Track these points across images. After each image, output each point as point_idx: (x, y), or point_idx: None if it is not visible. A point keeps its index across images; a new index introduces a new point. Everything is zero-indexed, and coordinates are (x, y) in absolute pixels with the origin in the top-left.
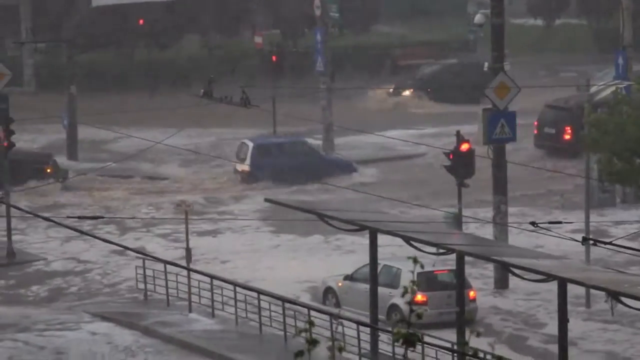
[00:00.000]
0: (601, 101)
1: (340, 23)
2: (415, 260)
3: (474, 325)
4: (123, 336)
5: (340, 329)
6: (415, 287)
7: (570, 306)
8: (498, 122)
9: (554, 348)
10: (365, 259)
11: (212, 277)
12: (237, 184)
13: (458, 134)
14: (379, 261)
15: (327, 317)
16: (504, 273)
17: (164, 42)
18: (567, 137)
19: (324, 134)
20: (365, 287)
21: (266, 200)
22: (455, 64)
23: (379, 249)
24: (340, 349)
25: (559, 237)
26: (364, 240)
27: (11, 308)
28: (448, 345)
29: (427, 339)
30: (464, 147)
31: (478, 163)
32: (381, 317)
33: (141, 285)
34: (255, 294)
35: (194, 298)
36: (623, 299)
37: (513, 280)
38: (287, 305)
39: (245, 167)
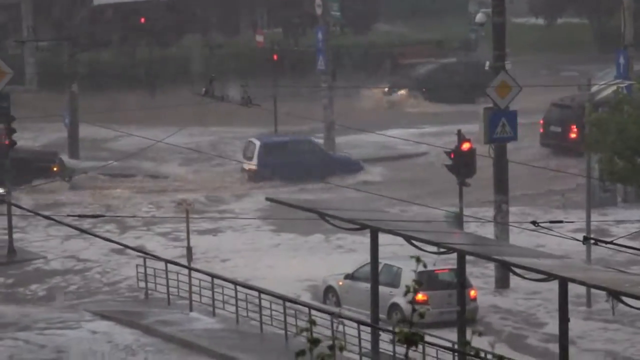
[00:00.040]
0: (602, 100)
1: (342, 22)
2: (418, 260)
3: (475, 325)
4: (123, 335)
5: (341, 328)
6: (418, 286)
7: (571, 305)
8: (499, 121)
9: (554, 347)
10: (366, 258)
11: (213, 276)
12: (244, 183)
13: (459, 133)
14: (379, 260)
15: (327, 317)
16: (504, 272)
17: (165, 41)
18: (573, 135)
19: (326, 133)
20: (366, 286)
21: (267, 199)
22: (451, 64)
23: (381, 248)
24: (341, 348)
25: (560, 237)
26: (364, 239)
27: (12, 306)
28: (449, 344)
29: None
30: (465, 146)
31: (480, 162)
32: (382, 316)
33: (142, 284)
34: (255, 293)
35: (195, 297)
36: (624, 298)
37: (514, 280)
38: (287, 304)
39: (252, 165)
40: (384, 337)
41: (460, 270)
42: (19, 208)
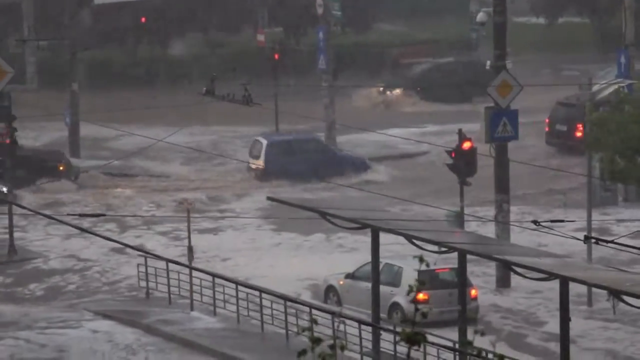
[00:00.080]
0: (603, 100)
1: (342, 21)
2: (421, 259)
3: (476, 324)
4: (124, 334)
5: (342, 327)
6: (421, 286)
7: (572, 305)
8: (500, 121)
9: (553, 346)
10: (367, 258)
11: (214, 275)
12: (250, 181)
13: (460, 132)
14: (380, 259)
15: (328, 316)
16: (505, 272)
17: (166, 40)
18: (579, 134)
19: (327, 132)
20: (367, 285)
21: (268, 198)
22: (445, 63)
23: (383, 247)
24: (342, 348)
25: (561, 236)
26: (366, 238)
27: (12, 306)
28: (450, 344)
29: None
30: (466, 145)
31: (482, 161)
32: (382, 315)
33: (143, 283)
34: (256, 292)
35: (196, 296)
36: (625, 297)
37: (515, 279)
38: (288, 303)
39: (259, 164)
40: (385, 336)
41: (462, 270)
42: (20, 207)
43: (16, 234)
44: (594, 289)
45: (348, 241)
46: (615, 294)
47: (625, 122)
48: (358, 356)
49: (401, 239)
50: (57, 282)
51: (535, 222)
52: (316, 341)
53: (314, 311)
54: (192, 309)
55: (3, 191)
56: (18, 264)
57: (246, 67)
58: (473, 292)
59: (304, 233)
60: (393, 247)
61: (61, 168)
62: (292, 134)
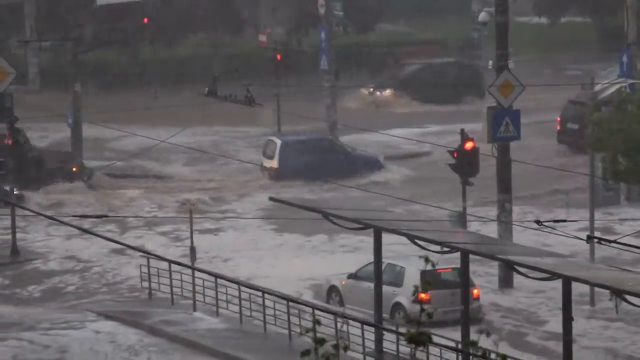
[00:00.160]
0: (605, 99)
1: (344, 22)
2: (427, 259)
3: (480, 324)
4: (127, 335)
5: (345, 327)
6: (427, 286)
7: (575, 304)
8: (502, 121)
9: (554, 345)
10: (369, 258)
11: (216, 276)
12: (258, 181)
13: (462, 132)
14: (382, 259)
15: (331, 316)
16: (508, 271)
17: (169, 41)
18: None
19: (329, 133)
20: (369, 285)
21: (270, 199)
22: (437, 64)
23: (385, 247)
24: (346, 348)
25: (564, 236)
26: (368, 238)
27: (14, 307)
28: (452, 344)
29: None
30: (469, 145)
31: (485, 161)
32: (385, 315)
33: (145, 284)
34: (259, 293)
35: (198, 297)
36: (627, 297)
37: (517, 279)
38: (291, 304)
39: (273, 164)
40: (388, 336)
41: (464, 270)
42: (23, 209)
43: (18, 235)
44: (596, 289)
45: (350, 241)
46: (618, 293)
47: (628, 122)
48: (360, 356)
49: (403, 239)
50: (59, 283)
51: (537, 222)
52: (319, 342)
53: (317, 311)
54: (194, 309)
55: (7, 191)
56: (22, 265)
57: (248, 67)
58: (475, 292)
59: (306, 233)
60: (395, 247)
61: (74, 169)
62: (305, 134)
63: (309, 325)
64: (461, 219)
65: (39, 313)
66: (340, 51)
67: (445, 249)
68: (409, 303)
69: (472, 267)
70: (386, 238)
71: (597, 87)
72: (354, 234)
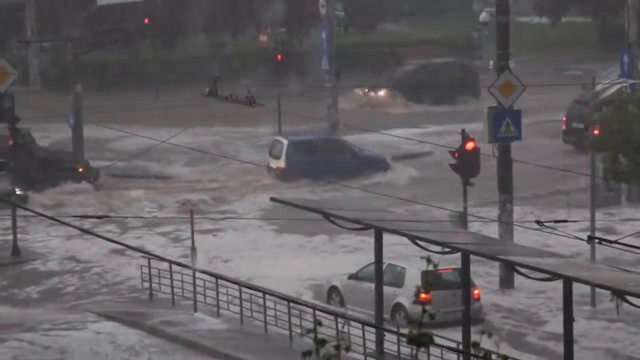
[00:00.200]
0: (606, 99)
1: (345, 22)
2: (429, 260)
3: (483, 324)
4: (127, 336)
5: (346, 328)
6: (429, 287)
7: (576, 305)
8: (503, 121)
9: (553, 345)
10: (370, 258)
11: (217, 276)
12: (270, 180)
13: (463, 132)
14: (383, 260)
15: (332, 317)
16: (509, 272)
17: (169, 41)
18: (596, 132)
19: (331, 133)
20: (370, 286)
21: (272, 199)
22: (431, 64)
23: (386, 248)
24: (347, 349)
25: (564, 236)
26: (369, 239)
27: (16, 307)
28: (453, 344)
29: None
30: (470, 145)
31: (487, 162)
32: (385, 316)
33: (146, 285)
34: (260, 293)
35: (199, 297)
36: (629, 297)
37: (518, 279)
38: (292, 304)
39: (280, 164)
40: (388, 337)
41: (465, 270)
42: (23, 209)
43: (19, 235)
44: (597, 289)
45: (351, 242)
46: (619, 294)
47: (629, 122)
48: (361, 357)
49: (404, 239)
50: (59, 284)
51: (538, 222)
52: (321, 343)
53: (318, 312)
54: (195, 310)
55: (10, 190)
56: (23, 265)
57: (249, 68)
58: (476, 292)
59: (307, 234)
60: (396, 248)
61: (80, 170)
62: (312, 134)
63: (310, 325)
64: (462, 219)
65: (40, 314)
66: (341, 51)
67: (446, 250)
68: (410, 304)
69: (473, 268)
70: (387, 238)
71: (598, 87)
72: (355, 235)
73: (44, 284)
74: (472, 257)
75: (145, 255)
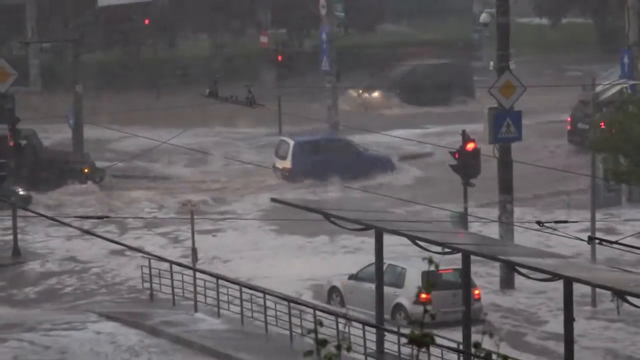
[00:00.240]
0: (607, 100)
1: (346, 22)
2: (430, 261)
3: (484, 325)
4: (128, 336)
5: (346, 328)
6: (430, 287)
7: (576, 305)
8: (504, 122)
9: (553, 345)
10: (370, 259)
11: (217, 276)
12: (272, 181)
13: (464, 133)
14: (384, 260)
15: (332, 317)
16: (509, 272)
17: (170, 42)
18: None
19: (333, 133)
20: (370, 286)
21: (272, 200)
22: (425, 66)
23: (386, 248)
24: (348, 349)
25: (565, 237)
26: (370, 239)
27: (16, 308)
28: (454, 344)
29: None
30: (470, 146)
31: (488, 162)
32: (385, 316)
33: (146, 285)
34: (260, 293)
35: (200, 298)
36: (629, 298)
37: (519, 280)
38: (292, 304)
39: (286, 164)
40: (389, 337)
41: (465, 271)
42: (24, 210)
43: (19, 236)
44: (598, 290)
45: (352, 242)
46: (619, 294)
47: (629, 123)
48: (362, 357)
49: (405, 240)
50: (59, 284)
51: (539, 222)
52: (322, 343)
53: (319, 312)
54: (196, 310)
55: (16, 191)
56: (22, 265)
57: (249, 68)
58: (476, 292)
59: (307, 234)
60: (397, 248)
61: (86, 170)
62: (318, 134)
63: (310, 326)
64: (462, 219)
65: (40, 314)
66: (341, 52)
67: (447, 250)
68: (410, 304)
69: (474, 268)
70: (387, 239)
71: (599, 88)
72: (355, 235)
73: (44, 284)
74: (472, 257)
75: (146, 255)
